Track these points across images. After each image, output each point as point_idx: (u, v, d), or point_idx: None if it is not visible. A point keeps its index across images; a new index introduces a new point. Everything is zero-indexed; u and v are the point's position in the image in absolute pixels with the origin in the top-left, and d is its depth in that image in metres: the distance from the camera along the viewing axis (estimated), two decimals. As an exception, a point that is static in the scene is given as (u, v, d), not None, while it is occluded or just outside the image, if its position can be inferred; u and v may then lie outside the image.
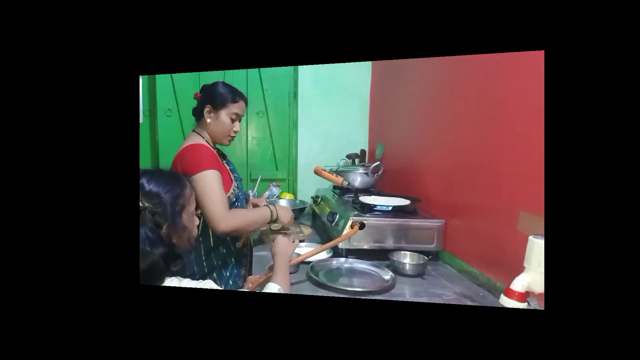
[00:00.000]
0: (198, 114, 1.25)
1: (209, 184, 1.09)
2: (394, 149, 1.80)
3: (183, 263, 0.78)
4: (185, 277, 0.78)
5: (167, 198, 0.75)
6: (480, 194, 1.09)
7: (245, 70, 2.10)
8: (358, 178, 1.66)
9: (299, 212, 1.82)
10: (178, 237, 0.77)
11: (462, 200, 1.20)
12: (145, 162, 2.04)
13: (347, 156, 1.99)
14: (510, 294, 0.75)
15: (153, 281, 0.73)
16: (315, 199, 1.75)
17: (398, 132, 1.78)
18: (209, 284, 0.77)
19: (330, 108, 2.13)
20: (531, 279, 0.74)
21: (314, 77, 2.10)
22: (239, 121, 1.25)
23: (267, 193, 2.06)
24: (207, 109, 1.20)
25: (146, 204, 0.73)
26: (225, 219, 1.08)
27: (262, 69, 2.11)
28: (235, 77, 2.06)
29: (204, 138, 1.21)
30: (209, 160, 1.13)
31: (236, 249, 1.26)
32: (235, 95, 1.24)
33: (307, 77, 2.10)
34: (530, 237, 0.75)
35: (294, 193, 2.20)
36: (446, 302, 0.95)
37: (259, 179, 2.04)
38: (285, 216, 1.27)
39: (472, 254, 1.14)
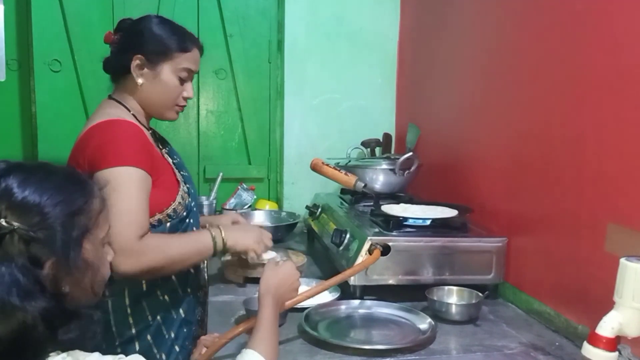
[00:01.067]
0: (118, 69, 1.26)
1: (121, 190, 1.10)
2: (433, 134, 1.97)
3: (83, 326, 0.72)
4: (87, 348, 0.72)
5: (57, 215, 0.70)
6: (554, 200, 1.26)
7: None
8: (380, 177, 1.83)
9: (286, 230, 1.98)
10: (74, 283, 0.72)
11: (530, 210, 1.37)
12: (11, 149, 2.15)
13: (362, 143, 2.16)
14: (595, 340, 0.90)
15: None
16: (312, 210, 1.91)
17: (439, 110, 1.95)
18: None
19: (336, 69, 2.29)
20: (623, 318, 0.89)
21: (311, 20, 2.26)
22: (191, 81, 1.32)
23: (233, 201, 2.22)
24: (137, 62, 1.23)
25: (15, 224, 0.67)
26: (133, 252, 1.09)
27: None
28: (178, 9, 2.20)
29: (130, 111, 1.26)
30: (134, 149, 1.15)
31: (184, 293, 1.28)
32: (186, 38, 1.27)
33: (300, 19, 2.25)
34: (622, 260, 0.90)
35: (278, 201, 2.36)
36: (510, 358, 1.10)
37: (218, 179, 2.18)
38: (242, 240, 1.31)
39: (545, 286, 1.31)
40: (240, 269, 1.53)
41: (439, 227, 1.46)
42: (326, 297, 1.37)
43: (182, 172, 1.35)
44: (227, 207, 2.19)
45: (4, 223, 0.67)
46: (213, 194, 2.12)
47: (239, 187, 2.25)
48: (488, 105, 1.60)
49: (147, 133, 1.28)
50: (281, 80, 2.29)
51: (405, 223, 1.46)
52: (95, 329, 0.74)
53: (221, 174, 2.17)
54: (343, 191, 1.99)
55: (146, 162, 1.17)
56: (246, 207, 2.20)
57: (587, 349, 0.91)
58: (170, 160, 1.34)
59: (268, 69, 2.32)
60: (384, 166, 1.82)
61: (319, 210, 1.85)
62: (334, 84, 2.28)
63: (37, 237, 0.68)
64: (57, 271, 0.70)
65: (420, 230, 1.44)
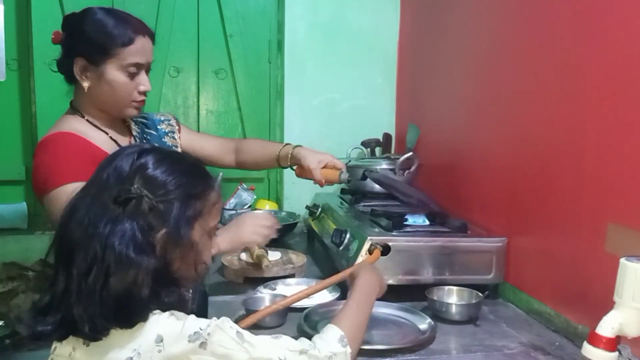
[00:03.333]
0: (67, 73, 1.22)
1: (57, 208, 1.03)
2: (433, 135, 1.97)
3: (180, 293, 0.81)
4: (184, 312, 0.81)
5: (178, 194, 0.81)
6: (554, 200, 1.27)
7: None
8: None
9: (286, 230, 1.98)
10: (180, 258, 0.82)
11: (530, 210, 1.37)
12: (12, 149, 2.16)
13: (362, 143, 2.16)
14: (595, 340, 0.90)
15: (129, 315, 0.75)
16: (312, 210, 1.91)
17: (439, 110, 1.96)
18: (226, 325, 0.80)
19: (336, 69, 2.29)
20: (623, 318, 0.90)
21: (311, 20, 2.26)
22: (147, 71, 1.25)
23: (233, 201, 2.22)
24: (80, 64, 1.18)
25: (145, 192, 0.79)
26: None
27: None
28: (178, 9, 2.20)
29: (84, 116, 1.23)
30: (68, 162, 1.12)
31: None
32: (128, 31, 1.18)
33: (300, 19, 2.26)
34: (622, 260, 0.91)
35: (278, 201, 2.36)
36: (510, 358, 1.11)
37: (218, 179, 2.16)
38: (237, 238, 1.28)
39: (545, 286, 1.32)
40: (250, 269, 1.54)
41: (439, 227, 1.46)
42: (326, 296, 1.38)
43: None
44: (227, 207, 2.19)
45: (136, 188, 0.79)
46: (213, 194, 2.12)
47: (239, 187, 2.25)
48: (488, 105, 1.60)
49: (101, 139, 1.24)
50: (281, 80, 2.29)
51: (405, 223, 1.46)
52: (192, 296, 0.88)
53: (221, 173, 2.09)
54: (343, 191, 1.99)
55: (84, 173, 1.08)
56: (246, 207, 2.21)
57: (587, 349, 0.92)
58: None
59: (268, 69, 2.32)
60: (384, 166, 1.83)
61: (319, 210, 1.86)
62: (334, 84, 2.29)
63: (158, 207, 0.79)
64: (167, 241, 0.80)
65: (420, 230, 1.45)
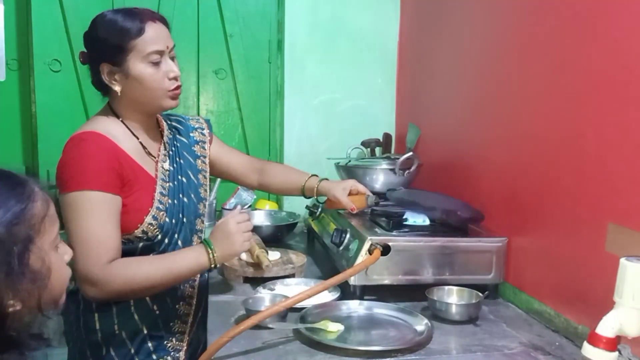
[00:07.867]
0: (100, 86, 1.22)
1: (81, 216, 1.10)
2: (433, 134, 1.98)
3: (21, 353, 0.66)
4: None
5: None
6: (554, 200, 1.27)
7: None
8: (380, 177, 1.84)
9: (286, 230, 1.99)
10: (21, 300, 0.64)
11: (530, 210, 1.38)
12: (12, 149, 2.16)
13: (362, 143, 2.16)
14: (595, 340, 0.91)
15: None
16: (312, 210, 1.91)
17: (439, 109, 1.96)
18: None
19: (336, 69, 2.30)
20: (624, 317, 0.90)
21: (312, 21, 2.27)
22: (172, 57, 1.21)
23: (233, 201, 2.22)
24: (106, 70, 1.18)
25: None
26: (95, 281, 1.09)
27: (223, -1, 2.24)
28: (178, 9, 2.21)
29: (119, 118, 1.22)
30: (96, 170, 1.12)
31: (147, 309, 1.23)
32: (132, 19, 1.16)
33: (301, 20, 2.26)
34: (622, 260, 0.91)
35: (278, 201, 2.37)
36: (510, 358, 1.11)
37: (218, 179, 2.18)
38: (229, 251, 1.19)
39: (545, 286, 1.32)
40: (250, 269, 1.54)
41: (439, 227, 1.46)
42: (326, 297, 1.38)
43: (174, 182, 1.29)
44: (227, 207, 2.19)
45: None
46: (213, 194, 2.12)
47: (239, 187, 2.24)
48: (488, 105, 1.60)
49: (130, 145, 1.22)
50: (281, 80, 2.30)
51: (405, 223, 1.46)
52: (37, 351, 0.68)
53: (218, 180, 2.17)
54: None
55: (110, 183, 1.14)
56: (246, 207, 2.20)
57: (587, 349, 0.92)
58: (162, 169, 1.28)
59: (268, 69, 2.32)
60: (384, 166, 1.83)
61: (319, 210, 1.86)
62: (334, 84, 2.29)
63: None
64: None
65: (420, 230, 1.45)
